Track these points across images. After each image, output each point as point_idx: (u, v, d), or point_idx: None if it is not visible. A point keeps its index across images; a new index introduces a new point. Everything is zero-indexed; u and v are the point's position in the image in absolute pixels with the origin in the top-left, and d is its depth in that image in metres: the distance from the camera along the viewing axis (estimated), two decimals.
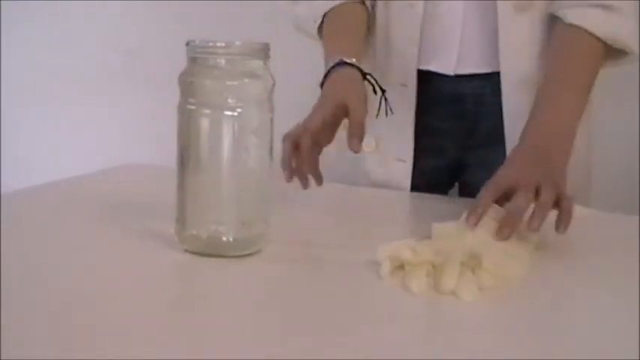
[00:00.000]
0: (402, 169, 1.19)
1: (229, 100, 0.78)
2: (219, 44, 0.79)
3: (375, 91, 1.08)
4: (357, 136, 0.95)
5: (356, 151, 0.95)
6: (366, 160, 1.21)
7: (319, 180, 1.01)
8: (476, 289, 0.74)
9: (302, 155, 0.97)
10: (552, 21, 1.09)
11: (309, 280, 0.78)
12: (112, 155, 1.39)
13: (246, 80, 0.79)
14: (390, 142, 1.20)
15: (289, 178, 0.98)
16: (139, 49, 2.20)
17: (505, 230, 0.84)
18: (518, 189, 0.87)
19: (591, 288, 0.81)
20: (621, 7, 1.06)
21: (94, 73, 2.26)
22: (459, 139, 1.21)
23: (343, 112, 0.98)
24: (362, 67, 1.06)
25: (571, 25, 1.05)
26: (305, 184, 1.00)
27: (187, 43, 0.79)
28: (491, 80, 1.14)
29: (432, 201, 1.14)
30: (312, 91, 1.06)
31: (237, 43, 0.79)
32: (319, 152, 1.01)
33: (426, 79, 1.17)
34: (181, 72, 0.80)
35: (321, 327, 0.66)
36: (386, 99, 1.09)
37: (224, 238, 0.80)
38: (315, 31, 1.19)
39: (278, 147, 0.91)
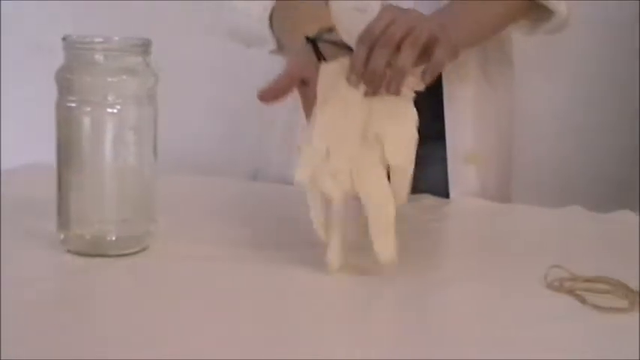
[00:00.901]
0: None
1: (109, 97, 0.77)
2: (96, 39, 0.77)
3: None
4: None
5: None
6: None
7: None
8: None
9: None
10: None
11: (193, 278, 0.77)
12: (18, 154, 1.35)
13: (124, 77, 0.78)
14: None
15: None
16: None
17: (368, 91, 0.79)
18: (382, 39, 0.79)
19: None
20: None
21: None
22: None
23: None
24: None
25: None
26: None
27: (64, 38, 0.78)
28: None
29: None
30: None
31: (116, 38, 0.78)
32: None
33: None
34: (58, 69, 0.78)
35: (208, 325, 0.66)
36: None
37: (107, 238, 0.79)
38: (265, 22, 1.05)
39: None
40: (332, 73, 0.81)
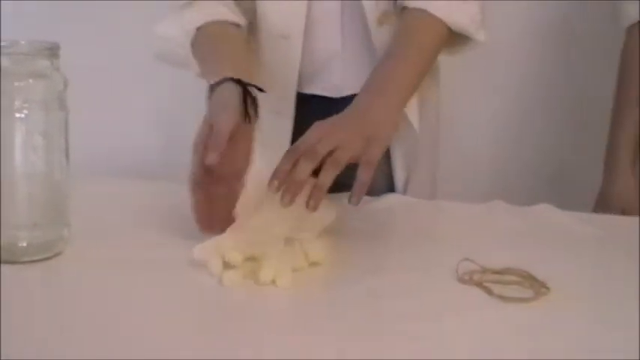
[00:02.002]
0: None
1: (16, 102, 0.76)
2: (3, 43, 0.76)
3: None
4: (213, 148, 0.86)
5: (209, 163, 0.86)
6: None
7: None
8: (290, 276, 0.78)
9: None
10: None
11: (106, 282, 0.77)
12: None
13: (31, 81, 0.77)
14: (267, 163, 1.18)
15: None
16: None
17: (285, 197, 0.84)
18: (307, 154, 0.85)
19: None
20: None
21: None
22: None
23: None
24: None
25: (414, 9, 1.05)
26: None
27: None
28: None
29: None
30: None
31: (23, 42, 0.77)
32: None
33: (302, 103, 1.17)
34: None
35: (123, 329, 0.66)
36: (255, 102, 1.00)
37: (19, 244, 0.78)
38: (187, 47, 1.07)
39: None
40: (259, 176, 0.86)
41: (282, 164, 0.85)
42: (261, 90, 0.96)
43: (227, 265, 0.80)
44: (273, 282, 0.78)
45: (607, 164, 1.23)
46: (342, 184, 0.88)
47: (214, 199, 0.87)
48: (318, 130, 0.88)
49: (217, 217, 0.86)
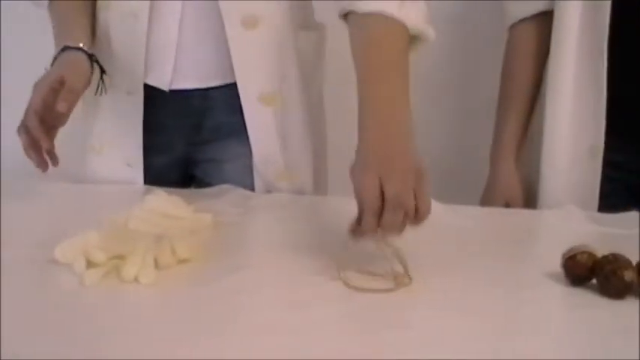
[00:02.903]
0: (131, 174, 1.16)
1: None
2: None
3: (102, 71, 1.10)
4: (65, 99, 0.98)
5: (62, 111, 0.97)
6: (92, 162, 1.19)
7: (55, 161, 1.02)
8: (153, 272, 0.78)
9: (32, 135, 0.98)
10: (347, 20, 1.02)
11: None
12: None
13: None
14: (118, 148, 1.17)
15: (40, 165, 1.00)
16: None
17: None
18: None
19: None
20: None
21: None
22: (185, 135, 1.19)
23: (60, 84, 1.00)
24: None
25: (366, 14, 0.98)
26: (43, 166, 1.01)
27: None
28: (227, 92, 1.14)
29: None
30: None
31: None
32: (54, 134, 1.02)
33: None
34: None
35: None
36: (103, 80, 1.10)
37: None
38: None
39: None
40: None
41: (369, 225, 0.78)
42: (103, 72, 1.08)
43: (91, 264, 0.78)
44: (136, 279, 0.76)
45: (492, 158, 1.24)
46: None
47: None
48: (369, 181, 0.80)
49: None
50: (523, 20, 1.22)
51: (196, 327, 0.68)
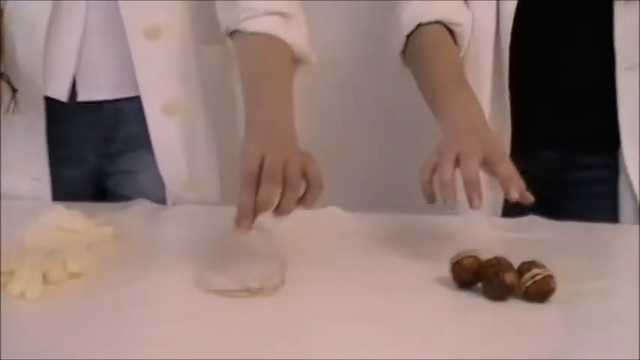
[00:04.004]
0: (39, 188, 1.14)
1: None
2: None
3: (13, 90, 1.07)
4: None
5: None
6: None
7: None
8: (40, 288, 0.77)
9: None
10: (232, 37, 1.07)
11: None
12: None
13: None
14: (23, 162, 1.14)
15: None
16: None
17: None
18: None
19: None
20: (296, 14, 1.05)
21: None
22: (97, 147, 1.18)
23: None
24: None
25: (253, 34, 1.02)
26: None
27: None
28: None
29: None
30: None
31: None
32: None
33: None
34: None
35: None
36: (14, 98, 1.06)
37: None
38: None
39: None
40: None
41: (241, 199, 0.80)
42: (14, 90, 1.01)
43: None
44: (22, 295, 0.76)
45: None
46: None
47: None
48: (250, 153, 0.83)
49: None
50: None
51: (79, 339, 0.67)
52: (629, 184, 1.15)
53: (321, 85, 1.75)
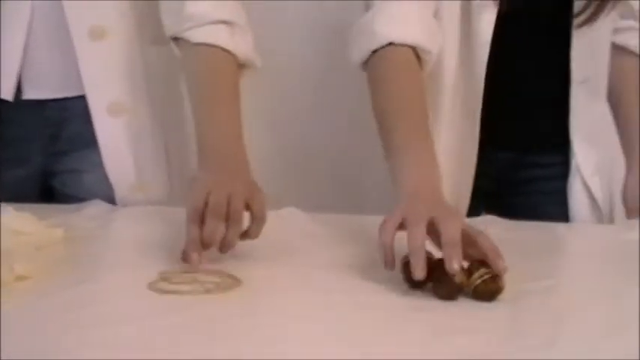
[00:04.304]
0: None
1: None
2: None
3: None
4: None
5: None
6: None
7: None
8: None
9: None
10: (176, 43, 1.08)
11: None
12: None
13: None
14: None
15: None
16: None
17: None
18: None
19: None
20: (239, 20, 1.06)
21: None
22: (43, 146, 1.17)
23: None
24: None
25: (198, 44, 1.04)
26: None
27: None
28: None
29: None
30: None
31: None
32: None
33: None
34: None
35: None
36: None
37: None
38: None
39: None
40: None
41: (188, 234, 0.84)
42: None
43: None
44: None
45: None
46: None
47: None
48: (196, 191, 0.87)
49: None
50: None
51: (27, 341, 0.66)
52: (579, 180, 1.19)
53: (287, 88, 1.77)
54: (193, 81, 1.03)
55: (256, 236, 0.86)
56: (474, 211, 1.16)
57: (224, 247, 0.84)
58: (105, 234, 1.00)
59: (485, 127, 1.15)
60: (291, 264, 0.89)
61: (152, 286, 0.79)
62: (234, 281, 0.78)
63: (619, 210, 1.24)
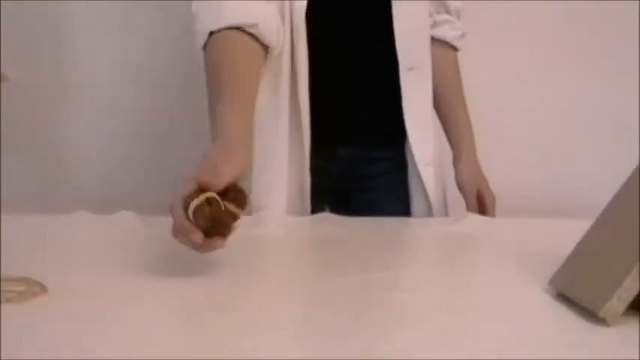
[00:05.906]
0: None
1: None
2: None
3: None
4: None
5: None
6: None
7: None
8: None
9: None
10: None
11: None
12: None
13: None
14: None
15: None
16: None
17: None
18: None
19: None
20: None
21: None
22: None
23: None
24: None
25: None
26: None
27: None
28: None
29: None
30: None
31: None
32: None
33: None
34: None
35: None
36: None
37: None
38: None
39: None
40: None
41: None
42: None
43: None
44: None
45: None
46: None
47: None
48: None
49: None
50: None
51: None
52: (416, 174, 1.22)
53: None
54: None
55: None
56: (318, 209, 1.18)
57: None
58: None
59: (322, 125, 1.16)
60: (105, 271, 0.84)
61: None
62: (41, 289, 0.76)
63: (452, 201, 1.29)
